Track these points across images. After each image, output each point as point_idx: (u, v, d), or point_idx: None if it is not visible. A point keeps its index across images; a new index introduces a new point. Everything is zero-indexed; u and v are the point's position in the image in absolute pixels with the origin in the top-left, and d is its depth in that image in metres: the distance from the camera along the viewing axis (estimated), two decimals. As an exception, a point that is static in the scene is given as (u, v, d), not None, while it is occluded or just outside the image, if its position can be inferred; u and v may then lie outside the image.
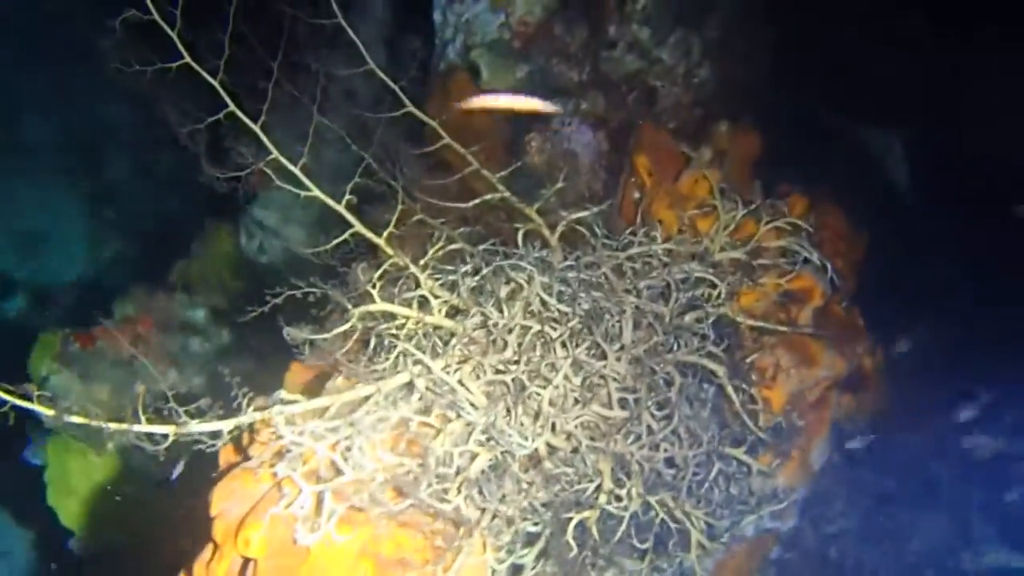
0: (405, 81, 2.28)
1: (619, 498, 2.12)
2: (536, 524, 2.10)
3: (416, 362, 2.12)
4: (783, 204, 2.63)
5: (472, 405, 2.08)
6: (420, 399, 2.10)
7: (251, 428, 2.08)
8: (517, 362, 2.12)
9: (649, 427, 2.15)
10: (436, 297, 2.24)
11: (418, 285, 2.25)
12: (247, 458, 2.07)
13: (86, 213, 7.64)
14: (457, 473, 2.04)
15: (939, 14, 3.78)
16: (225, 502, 1.98)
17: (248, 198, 4.46)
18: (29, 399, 1.81)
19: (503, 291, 2.22)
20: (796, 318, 2.62)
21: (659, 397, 2.18)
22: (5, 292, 7.35)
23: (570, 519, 2.07)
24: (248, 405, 2.02)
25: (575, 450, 2.13)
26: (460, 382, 2.10)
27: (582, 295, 2.21)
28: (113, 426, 1.86)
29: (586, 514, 2.09)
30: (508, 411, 2.08)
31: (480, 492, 2.03)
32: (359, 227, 2.23)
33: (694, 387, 2.31)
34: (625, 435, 2.13)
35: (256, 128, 2.12)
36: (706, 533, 2.22)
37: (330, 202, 2.19)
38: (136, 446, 1.91)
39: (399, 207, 2.26)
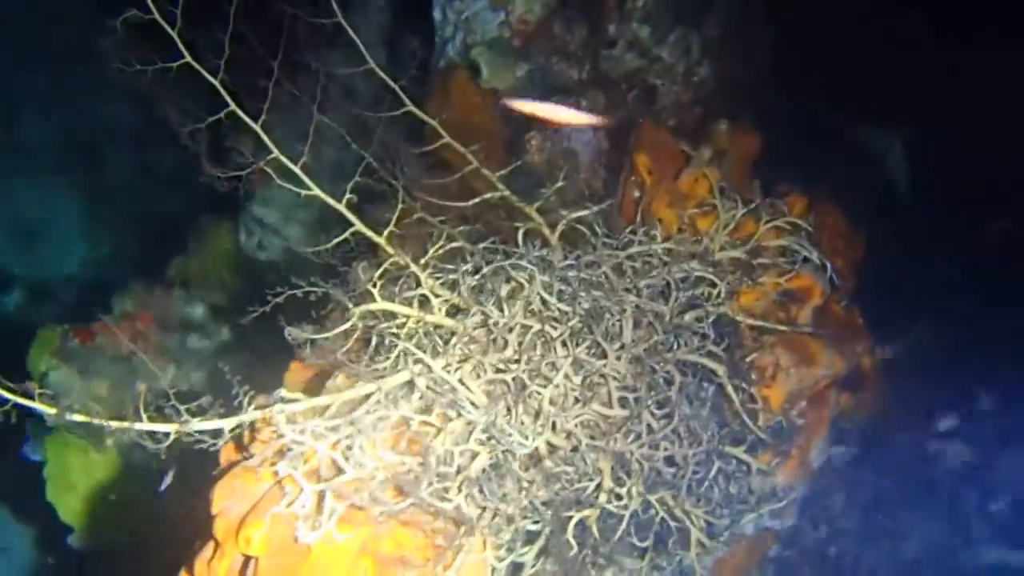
0: (405, 80, 2.29)
1: (619, 497, 2.13)
2: (536, 522, 2.10)
3: (417, 361, 2.12)
4: (783, 203, 2.63)
5: (473, 404, 2.08)
6: (421, 398, 2.11)
7: (252, 426, 2.09)
8: (518, 361, 2.12)
9: (649, 426, 2.16)
10: (437, 296, 2.25)
11: (419, 284, 2.25)
12: (248, 456, 2.07)
13: (85, 209, 7.64)
14: (458, 472, 2.04)
15: (939, 14, 3.78)
16: (226, 500, 1.99)
17: (248, 195, 4.46)
18: (31, 397, 1.82)
19: (504, 290, 2.23)
20: (795, 317, 2.62)
21: (659, 396, 2.18)
22: (3, 287, 7.35)
23: (570, 517, 2.08)
24: (249, 403, 2.03)
25: (575, 449, 2.13)
26: (461, 381, 2.10)
27: (582, 294, 2.21)
28: (115, 424, 1.87)
29: (586, 512, 2.09)
30: (509, 410, 2.09)
31: (481, 491, 2.04)
32: (360, 226, 2.23)
33: (694, 386, 2.32)
34: (625, 434, 2.13)
35: (257, 127, 2.12)
36: (706, 531, 2.23)
37: (331, 201, 2.19)
38: (136, 443, 1.91)
39: (399, 206, 2.26)
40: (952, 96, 3.86)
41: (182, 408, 1.93)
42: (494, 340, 2.15)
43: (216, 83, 2.07)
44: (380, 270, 2.23)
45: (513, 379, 2.09)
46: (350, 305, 2.18)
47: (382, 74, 2.25)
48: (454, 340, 2.16)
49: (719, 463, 2.26)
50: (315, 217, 4.23)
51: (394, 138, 2.30)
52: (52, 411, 1.83)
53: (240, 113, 2.11)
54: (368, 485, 1.94)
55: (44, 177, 7.47)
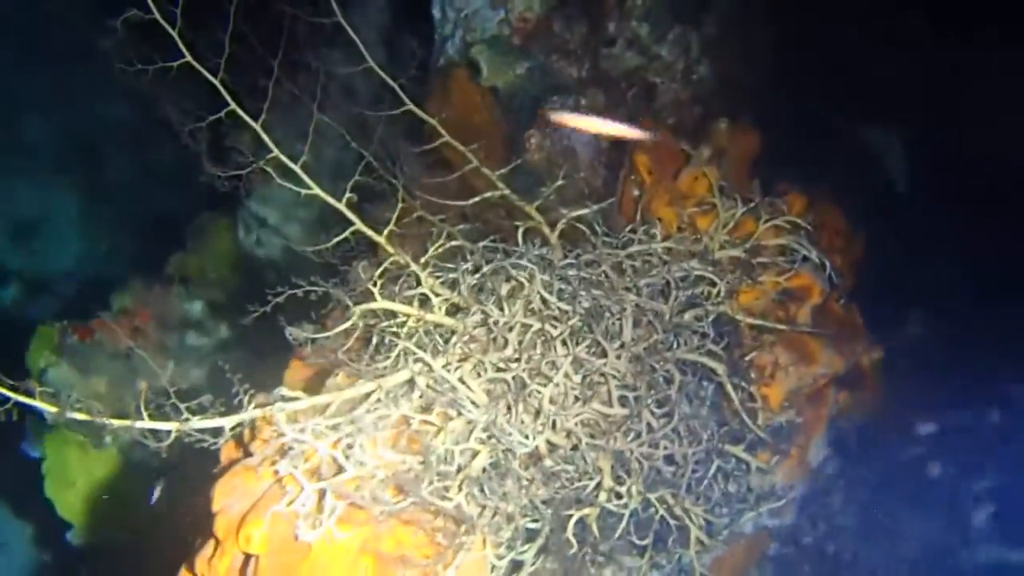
0: (405, 79, 2.29)
1: (619, 495, 2.13)
2: (536, 521, 2.11)
3: (417, 360, 2.13)
4: (782, 202, 2.64)
5: (473, 403, 2.09)
6: (421, 397, 2.11)
7: (252, 425, 2.09)
8: (518, 360, 2.13)
9: (649, 425, 2.16)
10: (437, 295, 2.25)
11: (419, 283, 2.26)
12: (248, 455, 2.08)
13: (84, 207, 7.63)
14: (458, 470, 2.05)
15: (939, 14, 3.78)
16: (227, 498, 1.99)
17: (247, 193, 4.46)
18: (32, 396, 1.82)
19: (504, 289, 2.23)
20: (795, 316, 2.63)
21: (659, 395, 2.19)
22: (1, 282, 7.34)
23: (570, 516, 2.08)
24: (249, 402, 2.03)
25: (575, 448, 2.14)
26: (461, 380, 2.10)
27: (582, 293, 2.22)
28: (116, 423, 1.87)
29: (586, 511, 2.10)
30: (509, 409, 2.09)
31: (481, 489, 2.04)
32: (360, 225, 2.23)
33: (694, 385, 2.32)
34: (625, 433, 2.14)
35: (257, 126, 2.12)
36: (705, 530, 2.24)
37: (331, 200, 2.19)
38: (136, 440, 1.92)
39: (399, 205, 2.27)
40: (952, 96, 3.86)
41: (182, 406, 1.94)
42: (494, 339, 2.15)
43: (216, 82, 2.07)
44: (380, 269, 2.23)
45: (513, 378, 2.10)
46: (350, 304, 2.18)
47: (382, 73, 2.25)
48: (454, 339, 2.16)
49: (718, 462, 2.27)
50: (315, 216, 4.23)
51: (394, 137, 2.30)
52: (54, 410, 1.83)
53: (240, 112, 2.11)
54: (368, 484, 1.95)
55: (44, 176, 7.47)
